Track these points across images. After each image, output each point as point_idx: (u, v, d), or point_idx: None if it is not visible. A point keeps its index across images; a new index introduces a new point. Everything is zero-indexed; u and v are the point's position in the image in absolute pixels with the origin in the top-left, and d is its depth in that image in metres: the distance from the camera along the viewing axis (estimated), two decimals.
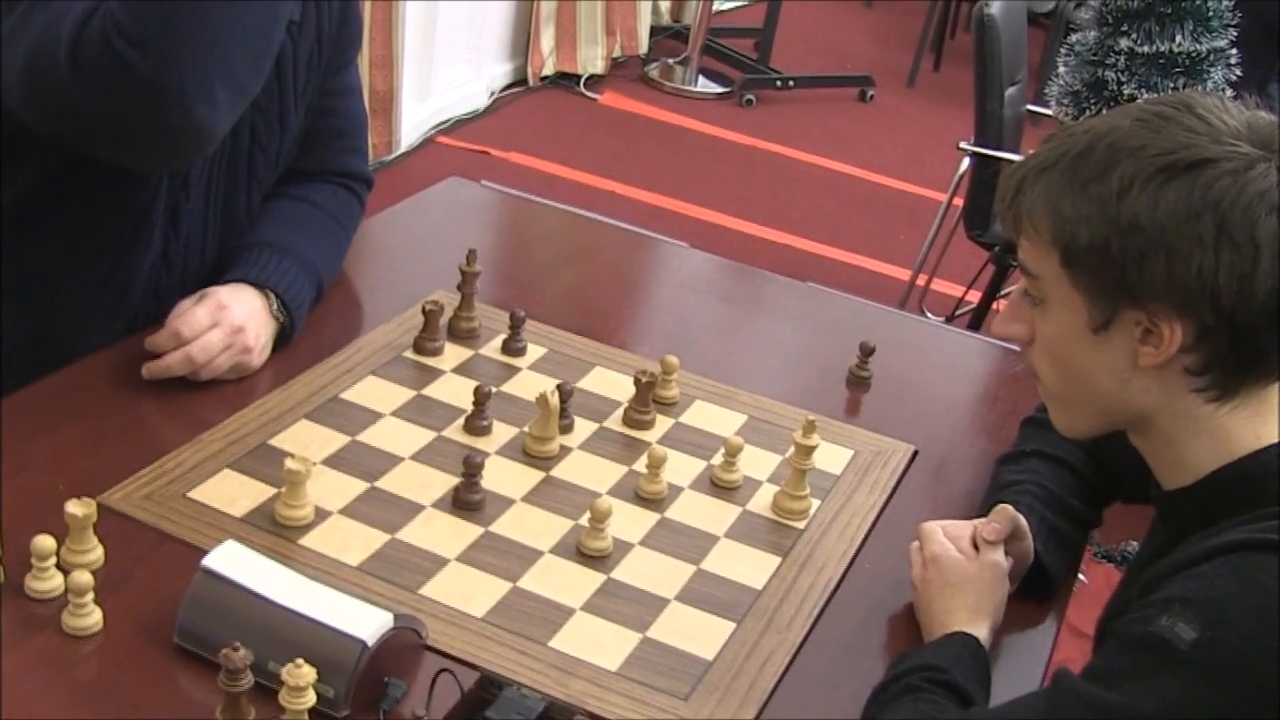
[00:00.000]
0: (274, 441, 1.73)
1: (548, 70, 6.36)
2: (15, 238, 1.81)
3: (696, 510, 1.75)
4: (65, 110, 1.62)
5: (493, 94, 6.12)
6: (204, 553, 1.42)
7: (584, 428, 1.87)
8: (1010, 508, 1.64)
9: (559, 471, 1.78)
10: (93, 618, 1.40)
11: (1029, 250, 1.40)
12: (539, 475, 1.76)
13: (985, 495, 1.76)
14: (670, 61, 6.82)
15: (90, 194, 1.80)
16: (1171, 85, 3.49)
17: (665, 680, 1.47)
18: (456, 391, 1.89)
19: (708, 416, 1.95)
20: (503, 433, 1.83)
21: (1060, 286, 1.37)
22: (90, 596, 1.39)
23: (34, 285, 1.84)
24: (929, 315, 4.26)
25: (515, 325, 2.02)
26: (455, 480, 1.70)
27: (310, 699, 1.26)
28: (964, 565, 1.58)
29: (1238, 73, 3.58)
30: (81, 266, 1.85)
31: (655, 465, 1.75)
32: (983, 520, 1.63)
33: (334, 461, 1.72)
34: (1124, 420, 1.43)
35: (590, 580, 1.60)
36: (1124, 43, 3.55)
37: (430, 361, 1.96)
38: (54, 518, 1.46)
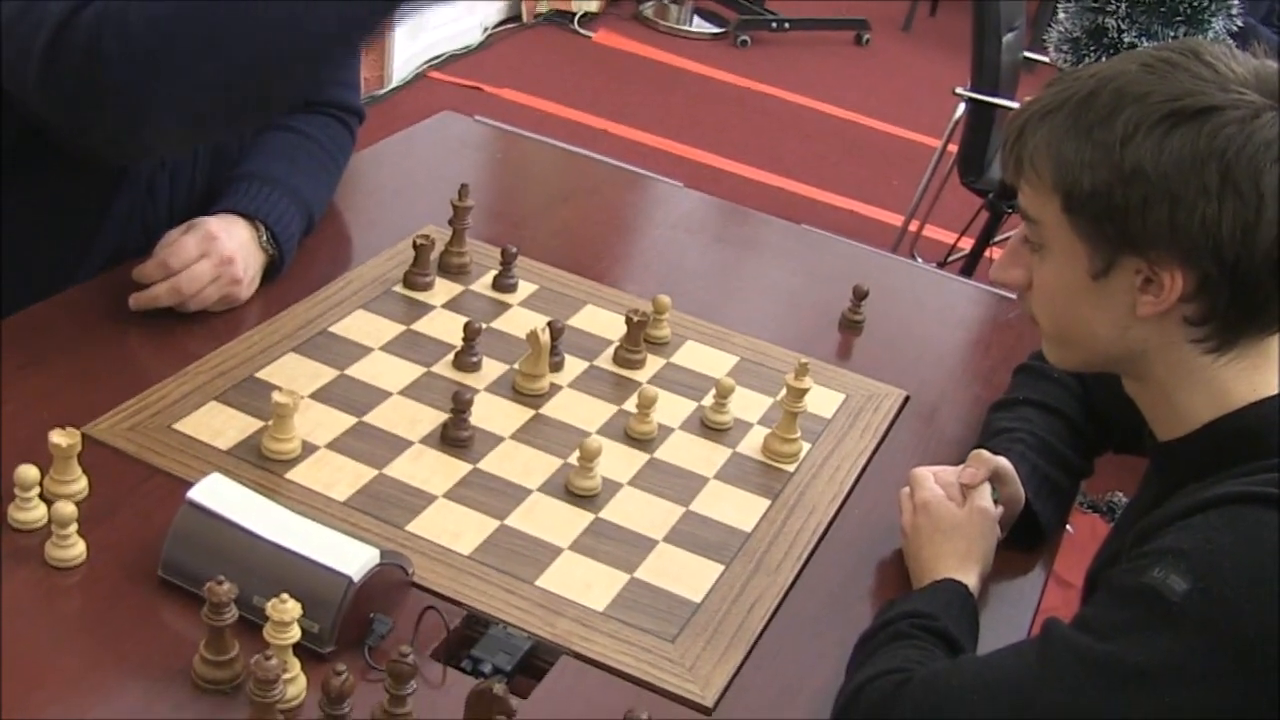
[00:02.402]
0: (261, 374, 1.72)
1: (542, 7, 6.31)
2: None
3: (686, 451, 1.74)
4: (14, 84, 1.57)
5: (486, 30, 6.07)
6: (189, 485, 1.41)
7: (574, 366, 1.86)
8: (985, 452, 1.63)
9: (548, 409, 1.76)
10: (76, 549, 1.39)
11: (1030, 195, 1.38)
12: (528, 413, 1.75)
13: (977, 442, 1.75)
14: (665, 0, 6.77)
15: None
16: (1172, 34, 3.46)
17: (652, 621, 1.47)
18: (446, 327, 1.88)
19: (699, 357, 1.93)
20: (492, 369, 1.81)
21: (1060, 232, 1.36)
22: (73, 528, 1.38)
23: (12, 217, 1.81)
24: (920, 261, 4.24)
25: (506, 261, 2.00)
26: (444, 416, 1.68)
27: (295, 634, 1.25)
28: (954, 512, 1.57)
29: (1238, 22, 3.55)
30: (62, 200, 1.82)
31: (646, 405, 1.73)
32: (964, 466, 1.63)
33: (322, 395, 1.71)
34: (1120, 365, 1.43)
35: (578, 520, 1.59)
36: None
37: (420, 296, 1.95)
38: (39, 449, 1.45)
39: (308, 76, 1.64)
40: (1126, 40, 3.48)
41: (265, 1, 1.49)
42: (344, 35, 1.57)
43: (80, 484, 1.46)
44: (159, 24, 1.48)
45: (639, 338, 1.89)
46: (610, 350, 1.90)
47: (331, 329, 1.83)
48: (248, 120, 1.73)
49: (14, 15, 1.51)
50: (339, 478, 1.58)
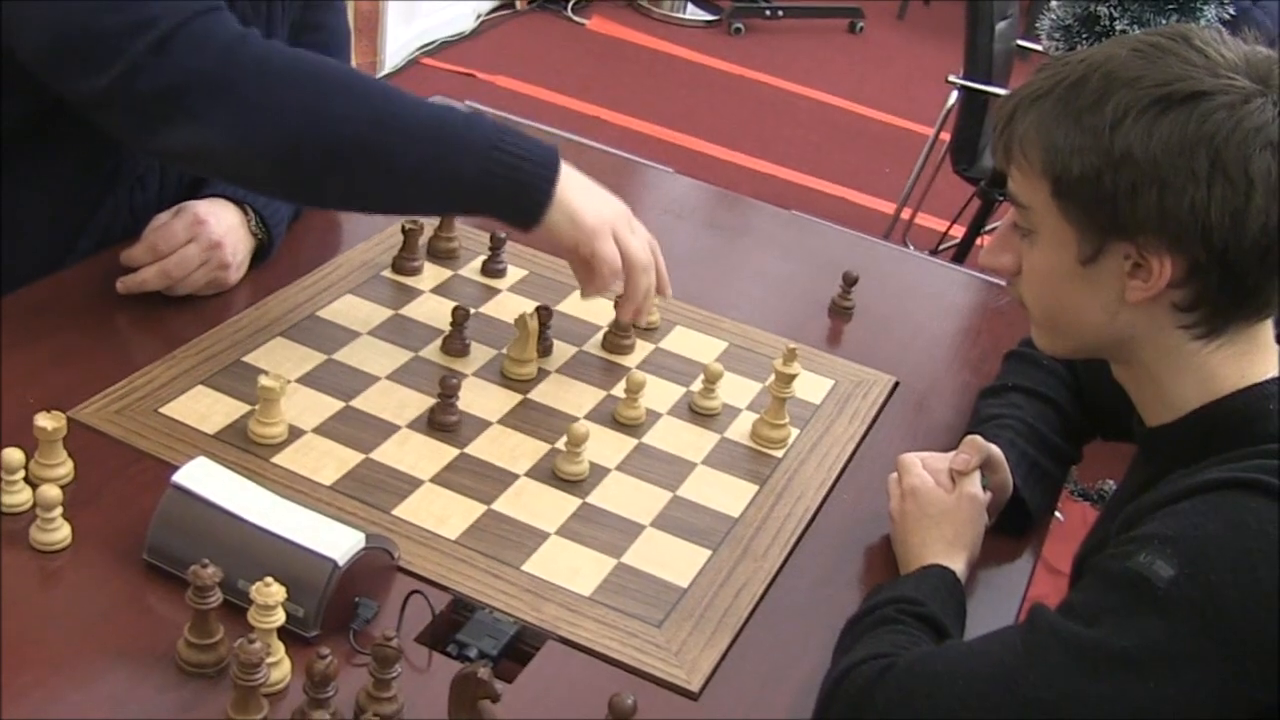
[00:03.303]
0: (248, 358, 1.71)
1: None
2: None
3: (674, 437, 1.74)
4: (88, 61, 1.58)
5: (479, 17, 6.06)
6: (176, 469, 1.40)
7: (563, 351, 1.85)
8: (979, 438, 1.63)
9: (536, 395, 1.76)
10: (61, 533, 1.38)
11: (1019, 180, 1.38)
12: (516, 398, 1.75)
13: (966, 429, 1.74)
14: None
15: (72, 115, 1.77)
16: (1164, 21, 3.45)
17: (639, 606, 1.46)
18: (435, 312, 1.87)
19: (688, 343, 1.93)
20: (480, 354, 1.81)
21: (1050, 217, 1.35)
22: (59, 512, 1.37)
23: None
24: (912, 249, 4.23)
25: (496, 246, 2.00)
26: (431, 401, 1.68)
27: (279, 618, 1.24)
28: (942, 498, 1.57)
29: (1231, 11, 3.54)
30: (54, 186, 1.81)
31: (634, 390, 1.73)
32: (956, 452, 1.63)
33: (309, 380, 1.70)
34: (1109, 351, 1.43)
35: (566, 505, 1.59)
36: None
37: (409, 281, 1.94)
38: (24, 432, 1.45)
39: (354, 189, 1.67)
40: (1119, 28, 3.47)
41: (372, 118, 1.61)
42: (409, 181, 1.65)
43: (65, 468, 1.46)
44: (282, 67, 1.60)
45: (628, 324, 1.88)
46: (599, 335, 1.89)
47: (319, 313, 1.83)
48: (277, 189, 1.75)
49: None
50: (325, 462, 1.57)
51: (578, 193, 1.69)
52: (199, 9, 1.56)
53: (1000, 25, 4.02)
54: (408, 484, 1.57)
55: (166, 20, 1.54)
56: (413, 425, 1.66)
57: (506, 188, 1.64)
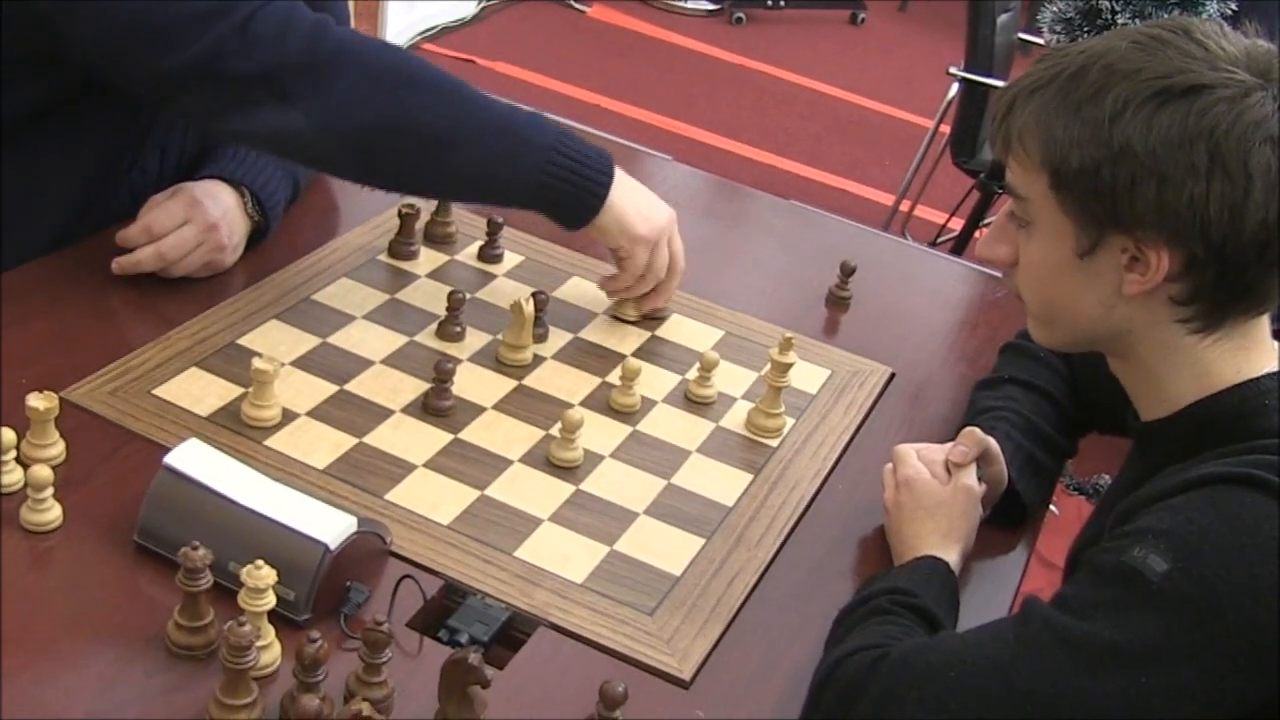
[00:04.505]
0: (243, 341, 1.71)
1: None
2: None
3: (669, 424, 1.73)
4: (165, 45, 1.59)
5: (480, 3, 6.05)
6: (167, 451, 1.40)
7: (558, 337, 1.85)
8: (977, 431, 1.62)
9: (531, 380, 1.76)
10: (52, 514, 1.38)
11: (1017, 172, 1.37)
12: (511, 384, 1.74)
13: (962, 421, 1.74)
14: None
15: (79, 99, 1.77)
16: (1165, 15, 3.45)
17: (631, 594, 1.46)
18: (430, 296, 1.87)
19: (685, 331, 1.92)
20: (476, 339, 1.80)
21: (1048, 209, 1.35)
22: (50, 492, 1.37)
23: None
24: (911, 240, 4.23)
25: (492, 232, 1.99)
26: (426, 386, 1.67)
27: (270, 601, 1.24)
28: (937, 489, 1.57)
29: (1233, 6, 3.54)
30: (55, 166, 1.81)
31: (629, 378, 1.73)
32: (954, 444, 1.62)
33: (303, 363, 1.70)
34: (1105, 344, 1.42)
35: (559, 491, 1.58)
36: None
37: (405, 265, 1.94)
38: (16, 413, 1.44)
39: (419, 178, 1.75)
40: (1120, 22, 3.47)
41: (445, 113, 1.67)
42: (463, 183, 1.76)
43: (57, 448, 1.45)
44: (365, 56, 1.65)
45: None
46: (595, 322, 1.89)
47: (315, 297, 1.82)
48: (347, 172, 1.78)
49: None
50: (318, 445, 1.57)
51: (630, 199, 1.79)
52: None
53: (1002, 18, 4.02)
54: (401, 468, 1.56)
55: (246, 3, 1.57)
56: (407, 410, 1.65)
57: (563, 189, 1.73)
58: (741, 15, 6.63)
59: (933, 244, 4.38)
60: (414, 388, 1.69)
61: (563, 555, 1.49)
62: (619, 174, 1.78)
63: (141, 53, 1.60)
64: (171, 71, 1.59)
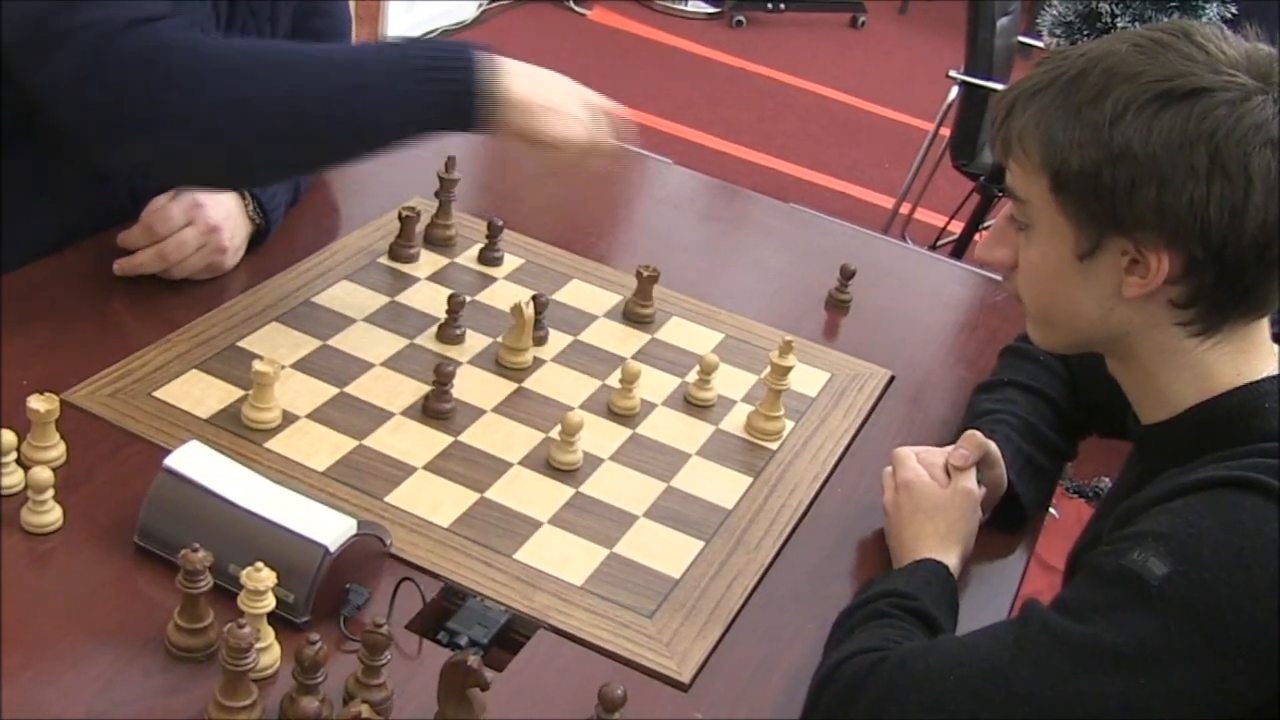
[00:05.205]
0: (243, 343, 1.71)
1: None
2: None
3: (669, 427, 1.73)
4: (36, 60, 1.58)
5: (481, 6, 6.05)
6: (168, 453, 1.40)
7: (558, 340, 1.85)
8: (979, 434, 1.62)
9: (531, 383, 1.76)
10: (52, 515, 1.38)
11: (1017, 174, 1.37)
12: (511, 386, 1.74)
13: (961, 423, 1.74)
14: None
15: None
16: (1165, 18, 3.45)
17: (630, 596, 1.46)
18: (430, 299, 1.87)
19: (684, 334, 1.92)
20: (476, 342, 1.80)
21: (1047, 212, 1.35)
22: (50, 494, 1.37)
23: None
24: (910, 243, 4.23)
25: (492, 234, 1.99)
26: (426, 388, 1.67)
27: (270, 603, 1.24)
28: (936, 492, 1.57)
29: (1233, 9, 3.54)
30: (53, 169, 1.81)
31: (629, 380, 1.73)
32: (955, 447, 1.62)
33: (303, 365, 1.70)
34: (1105, 347, 1.42)
35: (559, 494, 1.58)
36: None
37: (405, 268, 1.94)
38: (18, 414, 1.44)
39: (304, 161, 1.73)
40: (1120, 25, 3.47)
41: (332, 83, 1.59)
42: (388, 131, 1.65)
43: (58, 450, 1.45)
44: (205, 71, 1.57)
45: (649, 292, 1.90)
46: (596, 324, 1.89)
47: (315, 299, 1.82)
48: (238, 184, 1.78)
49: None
50: (319, 448, 1.57)
51: (520, 83, 1.66)
52: (130, 18, 1.55)
53: (1002, 21, 4.02)
54: (401, 471, 1.56)
55: (94, 29, 1.54)
56: (407, 412, 1.65)
57: (439, 105, 1.63)
58: (742, 18, 6.63)
59: (932, 247, 4.38)
60: (414, 390, 1.69)
61: (562, 558, 1.49)
62: (496, 63, 1.64)
63: (21, 61, 1.59)
64: (45, 87, 1.58)
